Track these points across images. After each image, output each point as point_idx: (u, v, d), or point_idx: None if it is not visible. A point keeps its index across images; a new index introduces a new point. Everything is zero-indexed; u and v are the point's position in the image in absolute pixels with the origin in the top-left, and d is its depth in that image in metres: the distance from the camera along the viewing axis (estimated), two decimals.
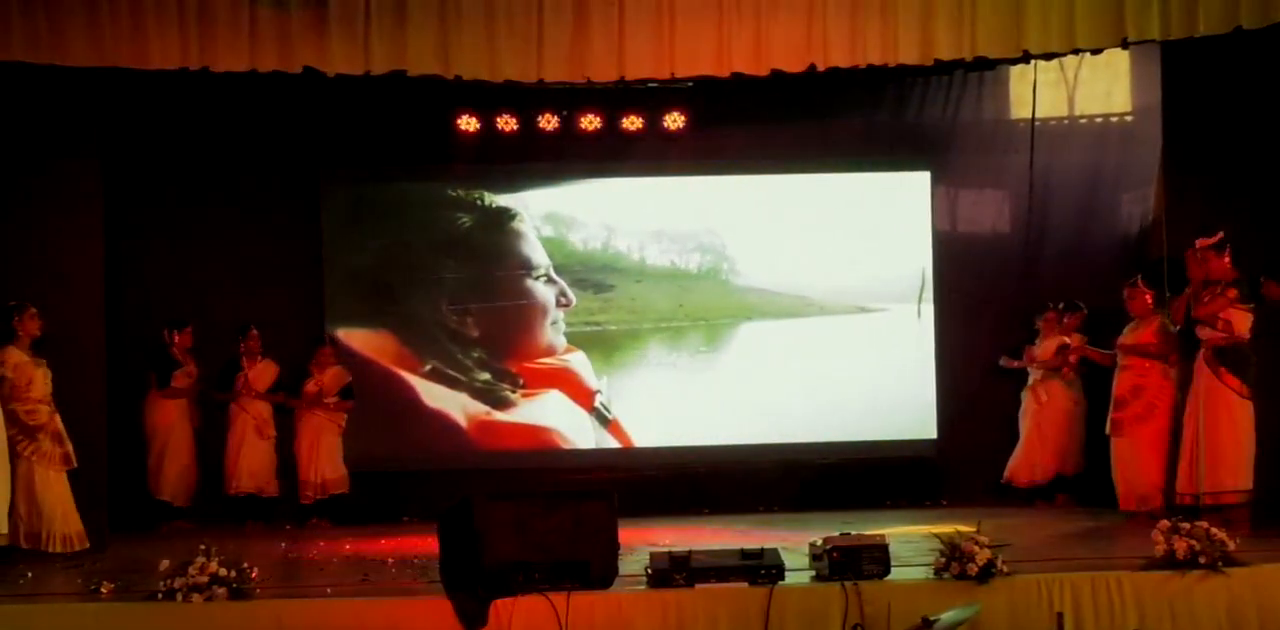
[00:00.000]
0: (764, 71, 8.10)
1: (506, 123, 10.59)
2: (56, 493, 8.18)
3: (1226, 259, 8.25)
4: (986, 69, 10.14)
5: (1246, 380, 8.20)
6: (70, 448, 8.26)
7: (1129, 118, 10.82)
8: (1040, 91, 10.78)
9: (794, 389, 10.89)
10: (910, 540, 7.92)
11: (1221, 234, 8.26)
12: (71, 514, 8.23)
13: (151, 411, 10.20)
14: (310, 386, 10.38)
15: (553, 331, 10.93)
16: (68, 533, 8.18)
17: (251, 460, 10.30)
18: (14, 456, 8.02)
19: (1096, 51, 8.64)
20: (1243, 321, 8.21)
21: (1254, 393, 8.20)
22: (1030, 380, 10.32)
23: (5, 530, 7.82)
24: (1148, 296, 9.02)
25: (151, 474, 10.16)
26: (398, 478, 10.66)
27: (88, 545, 8.24)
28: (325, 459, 10.36)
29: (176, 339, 10.27)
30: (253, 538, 9.40)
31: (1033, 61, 9.04)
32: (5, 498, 7.81)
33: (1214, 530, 6.69)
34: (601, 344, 10.99)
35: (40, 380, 8.14)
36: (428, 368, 10.84)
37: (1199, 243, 8.30)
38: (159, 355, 10.24)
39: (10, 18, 7.63)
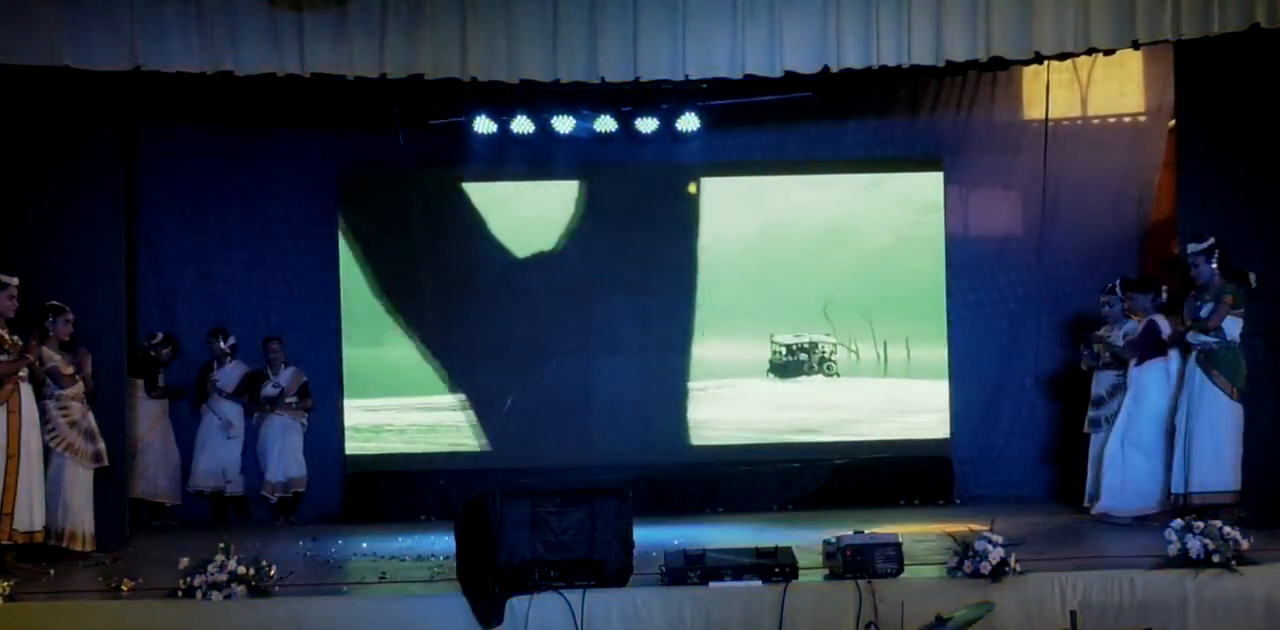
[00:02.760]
0: (777, 73, 8.13)
1: (521, 124, 10.58)
2: (81, 491, 8.29)
3: (1214, 265, 8.29)
4: (1000, 69, 10.14)
5: (1237, 382, 8.27)
6: (102, 446, 8.38)
7: (1141, 118, 10.82)
8: (1053, 92, 10.80)
9: (809, 388, 10.95)
10: (924, 539, 7.95)
11: (1212, 240, 8.31)
12: (89, 512, 8.29)
13: (138, 414, 10.17)
14: (269, 388, 10.46)
15: None
16: (84, 531, 8.25)
17: (215, 459, 10.38)
18: (47, 452, 8.13)
19: (1110, 52, 8.65)
20: (1234, 326, 8.29)
21: (1243, 395, 8.26)
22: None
23: (40, 527, 7.88)
24: (1123, 303, 9.07)
25: (139, 474, 10.10)
26: (413, 476, 10.73)
27: (95, 547, 8.28)
28: (291, 459, 10.43)
29: (153, 347, 10.38)
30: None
31: (1046, 62, 9.05)
32: (40, 496, 7.89)
33: (1227, 529, 6.71)
34: None
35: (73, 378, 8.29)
36: None
37: (1189, 248, 8.37)
38: (143, 360, 10.27)
39: (32, 21, 7.69)
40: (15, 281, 7.88)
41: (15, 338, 7.86)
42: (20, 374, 7.81)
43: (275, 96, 9.44)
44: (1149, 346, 8.72)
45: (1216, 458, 8.24)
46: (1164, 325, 8.73)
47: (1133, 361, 8.80)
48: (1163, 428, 8.62)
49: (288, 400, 10.47)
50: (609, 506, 6.61)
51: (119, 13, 7.73)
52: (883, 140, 11.05)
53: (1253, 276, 8.26)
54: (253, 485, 10.50)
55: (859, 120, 10.96)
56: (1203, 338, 8.31)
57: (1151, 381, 8.73)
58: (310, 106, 10.17)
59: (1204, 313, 8.30)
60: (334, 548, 8.76)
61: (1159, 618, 6.51)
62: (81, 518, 8.25)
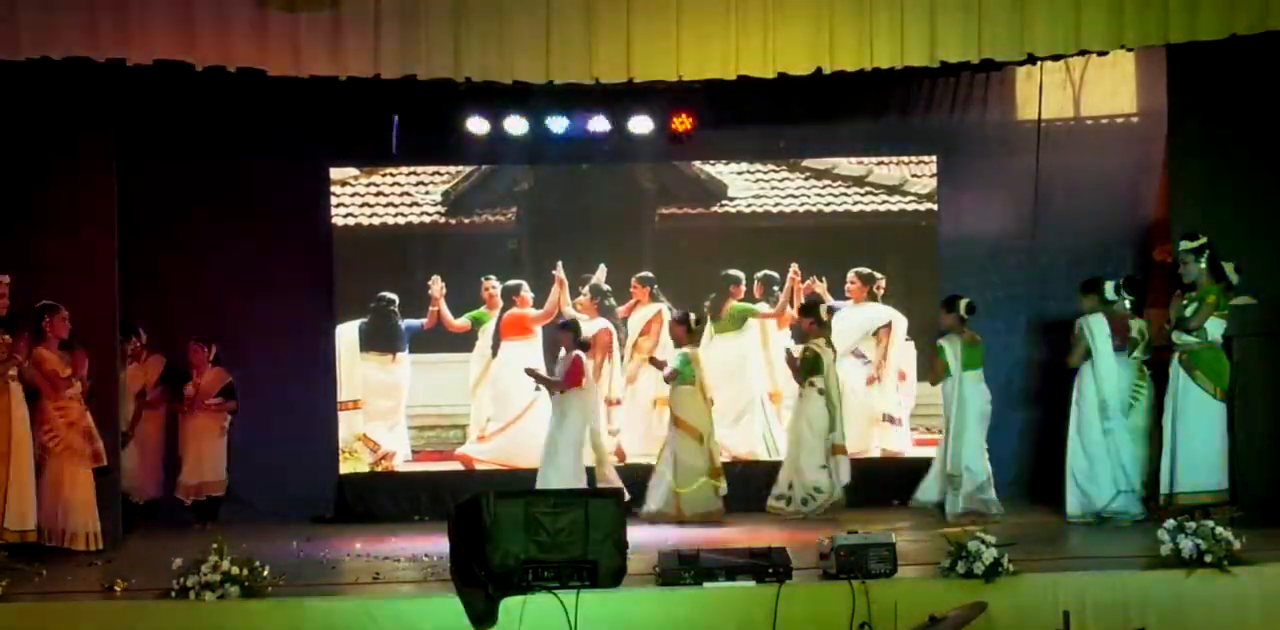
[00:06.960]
0: (771, 74, 8.15)
1: (516, 124, 10.57)
2: (82, 491, 8.31)
3: (1204, 264, 8.31)
4: (993, 70, 10.16)
5: (1220, 382, 8.28)
6: (100, 446, 8.40)
7: (1134, 119, 10.83)
8: (1046, 93, 10.80)
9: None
10: (917, 539, 7.96)
11: (1204, 239, 8.32)
12: (93, 512, 8.34)
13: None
14: (188, 389, 10.18)
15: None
16: (89, 531, 8.29)
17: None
18: (45, 452, 8.16)
19: (1102, 54, 8.67)
20: (1216, 327, 8.31)
21: (1228, 395, 8.27)
22: None
23: (32, 526, 7.90)
24: (1126, 303, 9.09)
25: (129, 475, 9.94)
26: (407, 476, 10.73)
27: (102, 546, 8.33)
28: (206, 462, 10.09)
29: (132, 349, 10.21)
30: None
31: (1039, 63, 9.06)
32: (30, 496, 7.89)
33: (1219, 530, 6.72)
34: None
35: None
36: None
37: (1181, 245, 8.38)
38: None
39: (21, 15, 7.68)
40: (5, 280, 7.86)
41: (6, 337, 7.85)
42: (10, 373, 7.80)
43: (268, 95, 9.44)
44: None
45: (1203, 457, 8.27)
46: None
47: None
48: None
49: (208, 402, 10.21)
50: (603, 507, 6.61)
51: (103, 9, 7.72)
52: (876, 141, 11.07)
53: (1229, 267, 8.27)
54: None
55: (852, 120, 10.97)
56: (1185, 338, 8.33)
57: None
58: (303, 105, 10.16)
59: (1188, 312, 8.32)
60: (327, 548, 8.75)
61: (1152, 618, 6.52)
62: (84, 518, 8.28)
